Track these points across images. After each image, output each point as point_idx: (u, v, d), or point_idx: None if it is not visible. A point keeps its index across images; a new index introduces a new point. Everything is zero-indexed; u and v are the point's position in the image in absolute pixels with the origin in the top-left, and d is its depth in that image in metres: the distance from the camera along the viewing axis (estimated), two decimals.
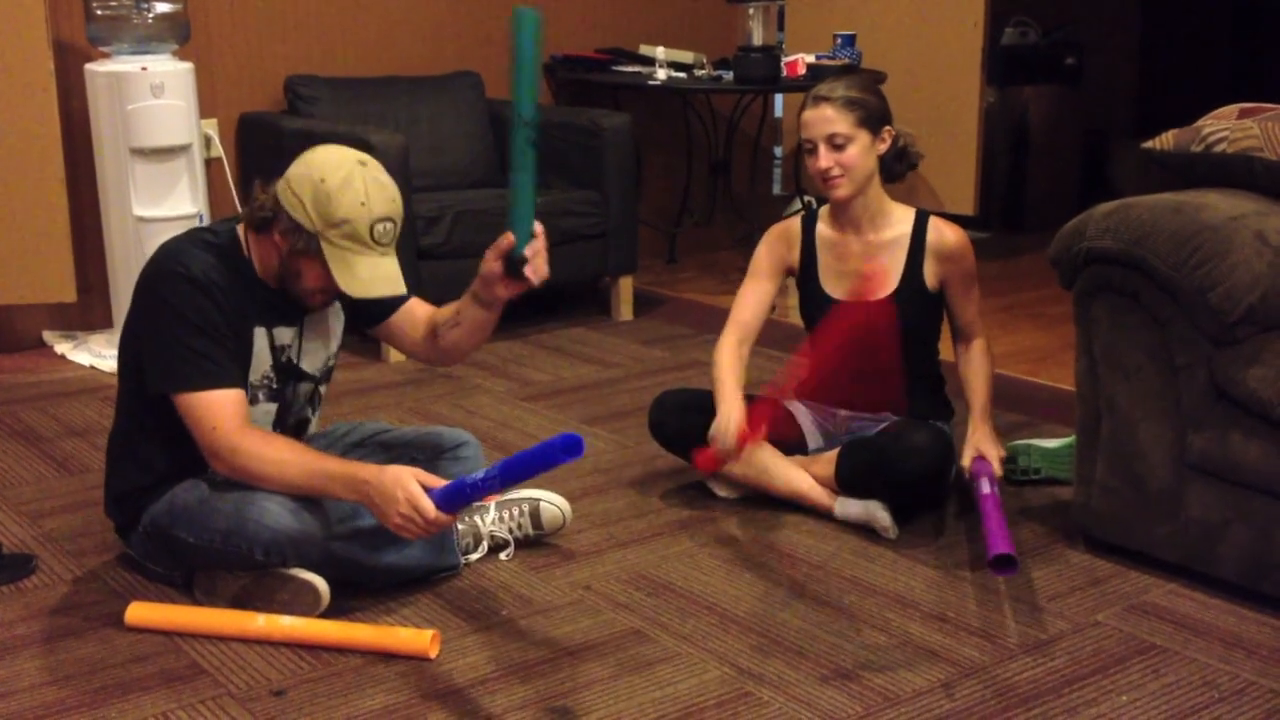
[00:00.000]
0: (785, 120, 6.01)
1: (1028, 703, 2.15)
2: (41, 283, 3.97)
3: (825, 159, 2.79)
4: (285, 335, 2.49)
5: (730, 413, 2.75)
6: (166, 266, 2.37)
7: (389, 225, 2.32)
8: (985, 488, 2.67)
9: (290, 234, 2.34)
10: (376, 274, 2.33)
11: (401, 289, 2.36)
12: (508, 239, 2.27)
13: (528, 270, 2.29)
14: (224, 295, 2.36)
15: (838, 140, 2.78)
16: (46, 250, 3.94)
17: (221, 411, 2.33)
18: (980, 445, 2.82)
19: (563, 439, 2.03)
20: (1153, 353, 2.52)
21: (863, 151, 2.80)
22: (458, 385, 3.83)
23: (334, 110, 4.40)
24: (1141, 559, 2.62)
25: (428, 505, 2.21)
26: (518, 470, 2.16)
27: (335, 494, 2.32)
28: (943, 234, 2.88)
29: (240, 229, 2.45)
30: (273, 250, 2.41)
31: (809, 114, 2.82)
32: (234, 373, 2.38)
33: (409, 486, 2.22)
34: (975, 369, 2.93)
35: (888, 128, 2.84)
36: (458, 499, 2.25)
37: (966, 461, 2.82)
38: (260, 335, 2.44)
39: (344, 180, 2.29)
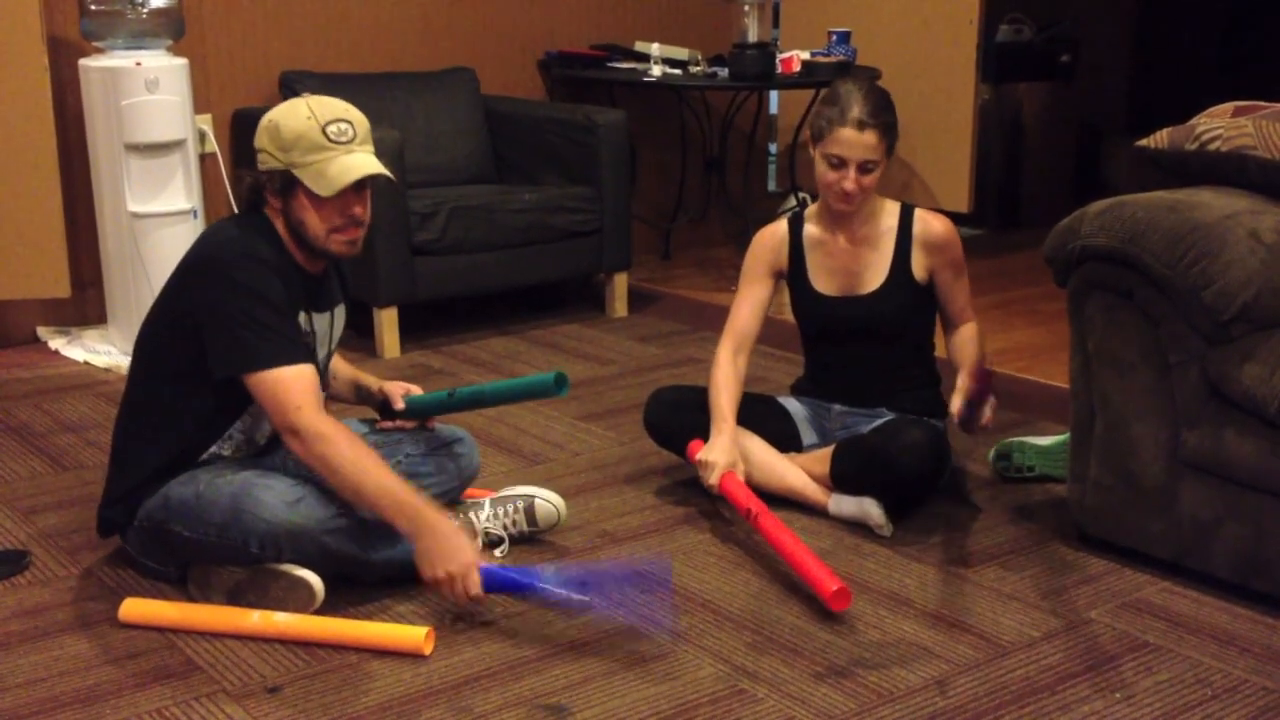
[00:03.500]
0: (780, 117, 6.01)
1: (1021, 700, 2.15)
2: (35, 278, 3.97)
3: (852, 182, 2.78)
4: (317, 321, 2.54)
5: (719, 454, 2.76)
6: (232, 250, 2.40)
7: (344, 125, 2.41)
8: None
9: (271, 185, 2.42)
10: (344, 167, 2.39)
11: (373, 169, 2.41)
12: (402, 396, 2.73)
13: (384, 424, 2.76)
14: (284, 276, 2.41)
15: (869, 166, 2.78)
16: (40, 245, 3.93)
17: (303, 389, 2.35)
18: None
19: (656, 565, 2.23)
20: (1146, 350, 2.52)
21: (882, 174, 2.81)
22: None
23: None
24: (1135, 556, 2.63)
25: (477, 582, 2.31)
26: (602, 583, 2.34)
27: (393, 521, 2.35)
28: (929, 224, 2.89)
29: (269, 216, 2.49)
30: (278, 219, 2.46)
31: (850, 134, 2.75)
32: (306, 349, 2.43)
33: (468, 558, 2.30)
34: (966, 343, 2.91)
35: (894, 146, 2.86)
36: (506, 586, 2.39)
37: (956, 407, 2.71)
38: (302, 319, 2.48)
39: (288, 110, 2.42)
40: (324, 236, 2.43)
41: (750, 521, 2.63)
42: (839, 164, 2.78)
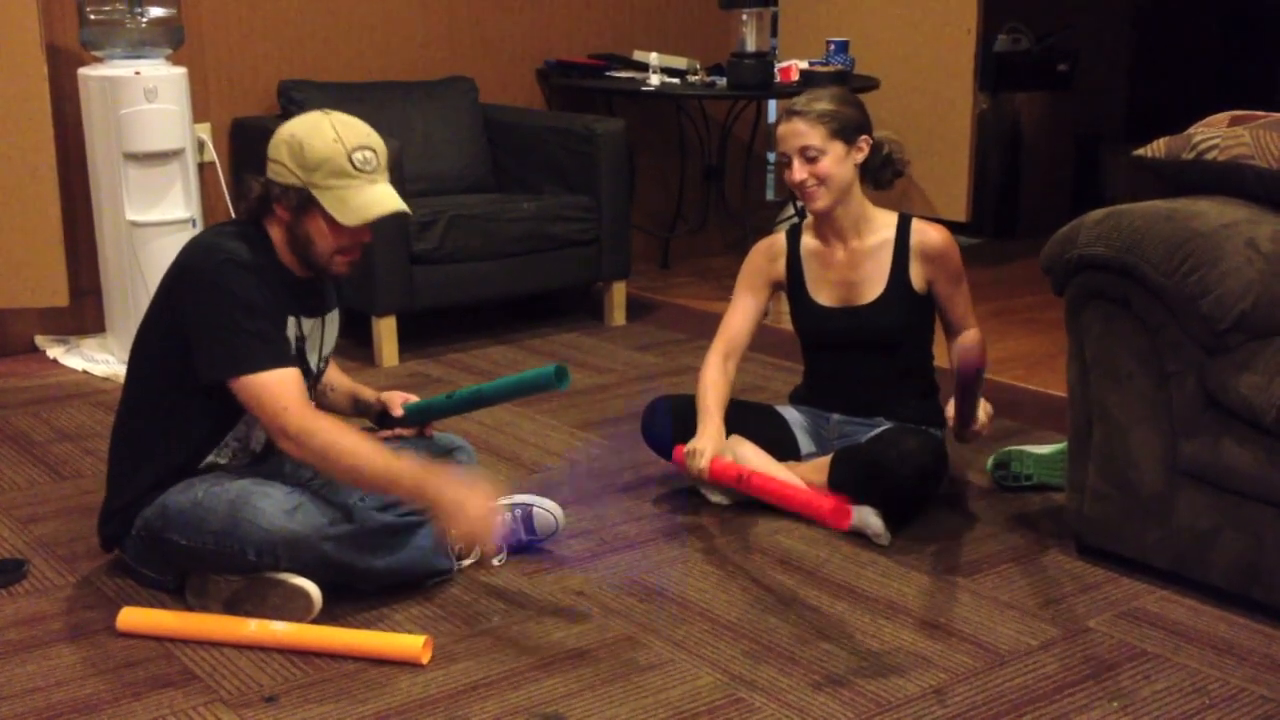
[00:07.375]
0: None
1: (1019, 709, 2.15)
2: (34, 287, 3.97)
3: (799, 171, 2.82)
4: (307, 326, 2.53)
5: (706, 441, 2.78)
6: (215, 256, 2.39)
7: (368, 154, 2.40)
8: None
9: (284, 199, 2.40)
10: (369, 199, 2.40)
11: (399, 206, 2.43)
12: (401, 404, 2.74)
13: (383, 433, 2.75)
14: (268, 281, 2.40)
15: (810, 153, 2.81)
16: (39, 254, 3.93)
17: (288, 391, 2.36)
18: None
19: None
20: (1144, 359, 2.52)
21: (836, 162, 2.82)
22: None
23: None
24: (1133, 565, 2.63)
25: (492, 530, 2.40)
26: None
27: (402, 496, 2.40)
28: (926, 235, 2.90)
29: (267, 224, 2.49)
30: (281, 229, 2.45)
31: (782, 128, 2.85)
32: (290, 352, 2.43)
33: (474, 523, 2.36)
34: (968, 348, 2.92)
35: (865, 137, 2.86)
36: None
37: (950, 412, 2.76)
38: (291, 324, 2.48)
39: (312, 127, 2.39)
40: (328, 257, 2.44)
41: (744, 487, 2.68)
42: (786, 160, 2.85)
